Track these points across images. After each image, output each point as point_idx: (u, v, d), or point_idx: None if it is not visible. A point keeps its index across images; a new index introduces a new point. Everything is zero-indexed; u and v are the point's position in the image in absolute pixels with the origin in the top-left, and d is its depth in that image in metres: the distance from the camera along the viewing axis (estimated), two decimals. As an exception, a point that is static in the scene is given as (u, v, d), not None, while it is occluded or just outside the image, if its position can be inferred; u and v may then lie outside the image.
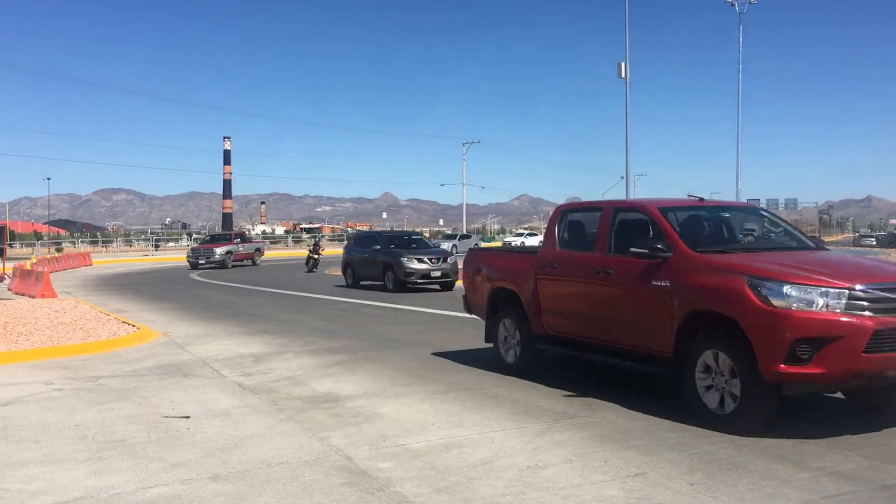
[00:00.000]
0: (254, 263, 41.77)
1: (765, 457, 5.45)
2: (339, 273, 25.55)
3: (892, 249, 53.94)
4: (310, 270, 33.82)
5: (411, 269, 21.13)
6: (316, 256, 34.97)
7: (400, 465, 5.46)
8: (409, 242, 23.75)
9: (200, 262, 38.53)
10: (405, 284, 21.19)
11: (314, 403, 7.51)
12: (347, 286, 23.57)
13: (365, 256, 23.21)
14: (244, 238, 45.82)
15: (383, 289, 21.84)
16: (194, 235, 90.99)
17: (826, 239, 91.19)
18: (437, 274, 21.44)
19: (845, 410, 6.82)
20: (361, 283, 23.51)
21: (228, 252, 39.19)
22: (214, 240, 43.76)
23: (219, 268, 37.71)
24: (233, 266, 38.72)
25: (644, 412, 6.80)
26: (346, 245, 26.05)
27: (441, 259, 21.84)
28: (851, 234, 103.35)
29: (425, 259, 21.50)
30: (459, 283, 13.24)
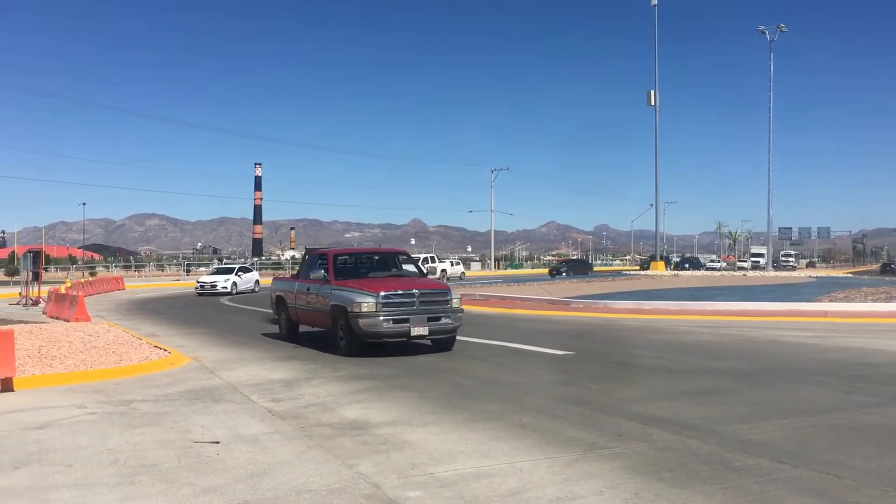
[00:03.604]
0: None
1: (800, 491, 5.34)
2: None
3: None
4: None
5: None
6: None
7: (428, 494, 5.44)
8: None
9: None
10: None
11: (343, 430, 7.52)
12: None
13: None
14: None
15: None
16: (225, 260, 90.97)
17: (862, 268, 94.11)
18: None
19: (883, 444, 6.67)
20: None
21: None
22: None
23: None
24: None
25: (675, 445, 6.72)
26: None
27: None
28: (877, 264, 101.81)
29: None
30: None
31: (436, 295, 13.54)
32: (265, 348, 14.81)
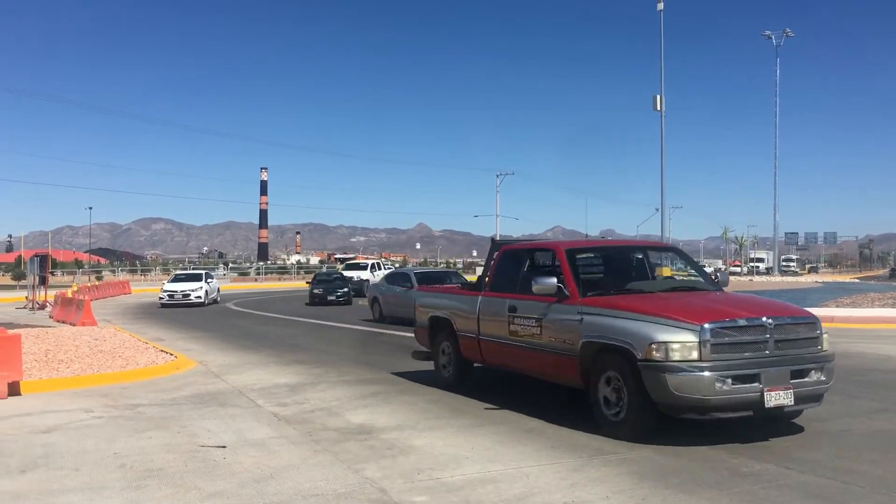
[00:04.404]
0: None
1: (807, 497, 5.33)
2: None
3: None
4: None
5: None
6: None
7: (434, 499, 5.43)
8: None
9: None
10: None
11: (349, 435, 7.52)
12: None
13: None
14: None
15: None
16: (230, 265, 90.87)
17: (869, 273, 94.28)
18: None
19: (891, 449, 6.63)
20: None
21: None
22: None
23: None
24: None
25: (682, 451, 6.70)
26: None
27: None
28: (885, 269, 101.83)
29: None
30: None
31: (798, 327, 7.38)
32: (270, 352, 14.82)
